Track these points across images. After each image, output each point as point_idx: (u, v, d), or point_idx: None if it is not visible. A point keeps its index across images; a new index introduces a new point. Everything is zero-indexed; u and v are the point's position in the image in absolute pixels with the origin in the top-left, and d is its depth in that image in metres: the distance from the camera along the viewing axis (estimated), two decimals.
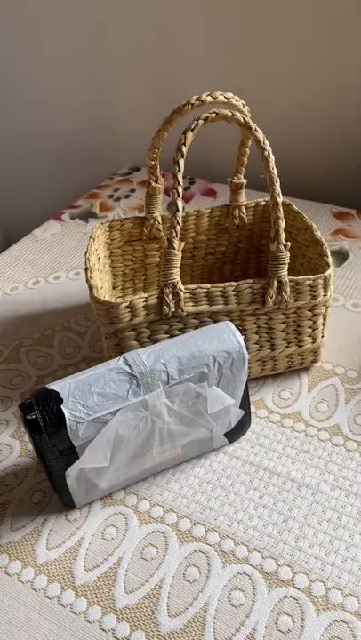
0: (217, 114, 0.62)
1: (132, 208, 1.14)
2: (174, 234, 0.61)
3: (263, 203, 0.84)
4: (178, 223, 0.61)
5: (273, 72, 1.07)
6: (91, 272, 0.69)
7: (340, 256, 0.96)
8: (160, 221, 0.81)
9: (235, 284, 0.65)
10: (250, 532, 0.59)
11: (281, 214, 0.62)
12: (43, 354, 0.82)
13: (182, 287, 0.63)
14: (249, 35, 1.05)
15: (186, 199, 1.15)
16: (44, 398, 0.54)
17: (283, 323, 0.69)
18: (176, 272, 0.63)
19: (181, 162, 0.60)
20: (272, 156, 0.61)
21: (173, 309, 0.64)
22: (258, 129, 0.61)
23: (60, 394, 0.54)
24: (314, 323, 0.70)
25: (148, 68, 1.18)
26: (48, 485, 0.64)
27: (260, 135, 0.61)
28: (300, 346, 0.71)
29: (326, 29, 0.99)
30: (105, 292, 0.77)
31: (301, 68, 1.05)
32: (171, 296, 0.63)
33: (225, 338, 0.60)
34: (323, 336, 0.73)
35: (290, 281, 0.65)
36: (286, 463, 0.65)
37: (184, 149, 0.60)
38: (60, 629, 0.53)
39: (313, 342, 0.72)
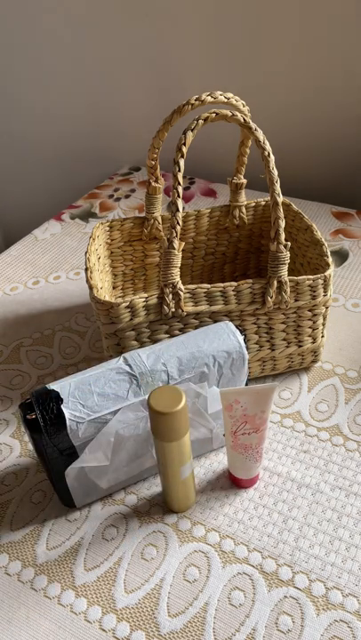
0: (217, 114, 0.62)
1: (132, 208, 1.14)
2: (174, 234, 0.61)
3: (263, 203, 0.84)
4: (178, 223, 0.61)
5: (273, 72, 1.07)
6: (91, 272, 0.69)
7: (340, 256, 0.96)
8: (160, 221, 0.81)
9: (235, 283, 0.65)
10: (250, 532, 0.59)
11: (281, 214, 0.62)
12: (43, 354, 0.82)
13: (182, 287, 0.63)
14: (249, 35, 1.05)
15: (186, 199, 1.15)
16: (44, 398, 0.54)
17: (283, 323, 0.69)
18: (176, 272, 0.63)
19: (181, 162, 0.60)
20: (272, 156, 0.61)
21: (173, 309, 0.64)
22: (258, 129, 0.61)
23: (60, 394, 0.54)
24: (314, 323, 0.70)
25: (148, 69, 1.18)
26: (48, 485, 0.64)
27: (260, 135, 0.61)
28: (300, 346, 0.71)
29: (326, 29, 0.99)
30: (105, 292, 0.77)
31: (301, 68, 1.05)
32: (171, 296, 0.63)
33: (225, 338, 0.60)
34: (323, 336, 0.73)
35: (290, 281, 0.65)
36: (286, 463, 0.65)
37: (184, 149, 0.60)
38: (60, 629, 0.53)
39: (313, 342, 0.72)
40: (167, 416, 0.49)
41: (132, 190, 1.20)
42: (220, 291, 0.65)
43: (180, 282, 0.63)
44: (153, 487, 0.63)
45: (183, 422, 0.51)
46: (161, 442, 0.52)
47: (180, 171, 0.60)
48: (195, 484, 0.62)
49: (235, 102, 0.65)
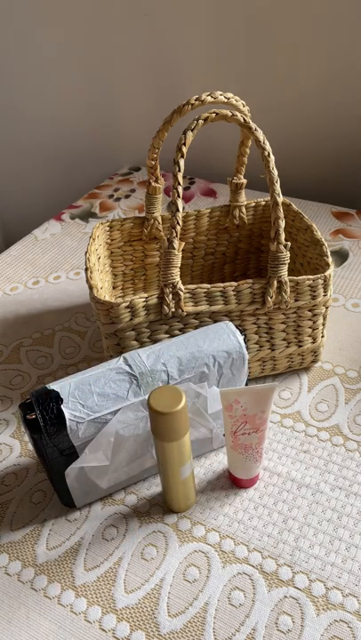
0: (217, 114, 0.62)
1: (132, 208, 1.14)
2: (174, 234, 0.61)
3: (263, 203, 0.84)
4: (178, 223, 0.61)
5: (273, 72, 1.07)
6: (91, 272, 0.69)
7: (340, 256, 0.96)
8: (160, 221, 0.81)
9: (235, 283, 0.65)
10: (250, 532, 0.59)
11: (281, 214, 0.62)
12: (43, 354, 0.82)
13: (182, 287, 0.63)
14: (249, 34, 1.05)
15: (186, 199, 1.15)
16: (44, 398, 0.54)
17: (283, 323, 0.69)
18: (176, 272, 0.63)
19: (181, 162, 0.60)
20: (272, 156, 0.61)
21: (173, 309, 0.64)
22: (258, 129, 0.61)
23: (60, 394, 0.54)
24: (314, 323, 0.70)
25: (148, 68, 1.18)
26: (48, 485, 0.64)
27: (260, 135, 0.61)
28: (300, 346, 0.71)
29: (326, 29, 0.99)
30: (105, 292, 0.77)
31: (301, 68, 1.05)
32: (171, 296, 0.63)
33: (225, 338, 0.60)
34: (323, 336, 0.73)
35: (290, 281, 0.65)
36: (286, 463, 0.65)
37: (184, 149, 0.60)
38: (60, 629, 0.53)
39: (313, 342, 0.72)
40: (167, 416, 0.49)
41: (132, 190, 1.20)
42: (220, 291, 0.65)
43: (180, 282, 0.63)
44: (153, 487, 0.64)
45: (183, 422, 0.51)
46: (161, 442, 0.52)
47: (180, 171, 0.60)
48: (195, 484, 0.62)
49: (235, 102, 0.65)
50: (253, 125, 0.61)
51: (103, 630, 0.52)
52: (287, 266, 0.65)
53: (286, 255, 0.64)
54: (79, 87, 1.29)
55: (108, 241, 0.81)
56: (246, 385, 0.63)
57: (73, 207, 1.16)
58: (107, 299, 0.70)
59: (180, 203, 0.60)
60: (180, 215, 0.60)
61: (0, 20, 1.26)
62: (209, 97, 0.62)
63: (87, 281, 0.68)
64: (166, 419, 0.50)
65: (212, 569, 0.56)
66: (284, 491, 0.62)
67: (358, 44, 0.98)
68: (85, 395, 0.55)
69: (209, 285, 0.65)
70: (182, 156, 0.60)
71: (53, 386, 0.55)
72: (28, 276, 0.98)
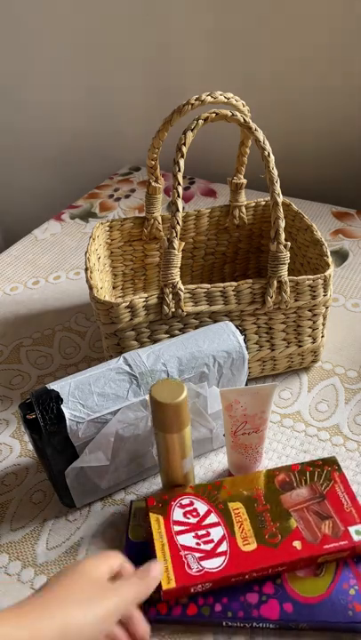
0: (217, 114, 0.62)
1: (132, 208, 1.14)
2: (174, 234, 0.61)
3: (263, 203, 0.84)
4: (178, 223, 0.61)
5: (273, 72, 1.07)
6: (91, 272, 0.69)
7: (340, 256, 0.96)
8: (160, 221, 0.81)
9: (235, 283, 0.65)
10: None
11: (281, 214, 0.62)
12: (43, 354, 0.82)
13: (182, 287, 0.63)
14: (249, 34, 1.05)
15: (186, 199, 1.15)
16: (44, 398, 0.54)
17: (283, 323, 0.69)
18: (176, 272, 0.63)
19: (181, 162, 0.60)
20: (272, 156, 0.61)
21: (173, 309, 0.64)
22: (258, 129, 0.61)
23: (60, 394, 0.54)
24: (314, 323, 0.70)
25: (148, 68, 1.18)
26: (48, 485, 0.64)
27: (260, 135, 0.61)
28: (300, 346, 0.71)
29: (327, 29, 0.99)
30: (105, 292, 0.77)
31: (301, 68, 1.05)
32: (171, 296, 0.63)
33: (225, 338, 0.60)
34: (323, 336, 0.73)
35: (290, 281, 0.65)
36: (286, 463, 0.65)
37: (184, 149, 0.60)
38: None
39: (313, 342, 0.72)
40: (169, 407, 0.49)
41: (132, 190, 1.20)
42: (220, 291, 0.65)
43: (180, 282, 0.63)
44: (153, 487, 0.63)
45: (185, 414, 0.51)
46: (163, 434, 0.52)
47: (180, 171, 0.60)
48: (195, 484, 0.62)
49: (235, 102, 0.65)
50: (253, 125, 0.61)
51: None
52: (287, 266, 0.65)
53: (286, 255, 0.64)
54: (79, 87, 1.29)
55: (108, 241, 0.81)
56: (246, 385, 0.63)
57: (73, 207, 1.16)
58: (107, 299, 0.70)
59: (180, 203, 0.60)
60: (180, 215, 0.60)
61: (0, 20, 1.26)
62: (209, 97, 0.62)
63: (87, 281, 0.68)
64: (168, 409, 0.50)
65: None
66: None
67: (359, 43, 0.98)
68: (85, 395, 0.55)
69: (209, 285, 0.65)
70: (182, 156, 0.60)
71: (53, 386, 0.55)
72: (28, 276, 0.98)
